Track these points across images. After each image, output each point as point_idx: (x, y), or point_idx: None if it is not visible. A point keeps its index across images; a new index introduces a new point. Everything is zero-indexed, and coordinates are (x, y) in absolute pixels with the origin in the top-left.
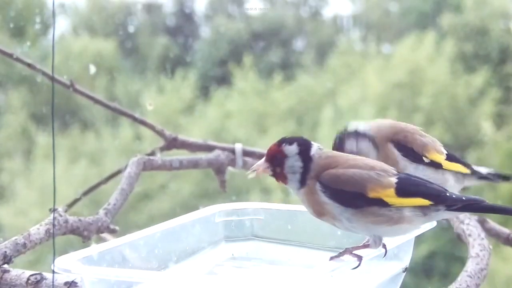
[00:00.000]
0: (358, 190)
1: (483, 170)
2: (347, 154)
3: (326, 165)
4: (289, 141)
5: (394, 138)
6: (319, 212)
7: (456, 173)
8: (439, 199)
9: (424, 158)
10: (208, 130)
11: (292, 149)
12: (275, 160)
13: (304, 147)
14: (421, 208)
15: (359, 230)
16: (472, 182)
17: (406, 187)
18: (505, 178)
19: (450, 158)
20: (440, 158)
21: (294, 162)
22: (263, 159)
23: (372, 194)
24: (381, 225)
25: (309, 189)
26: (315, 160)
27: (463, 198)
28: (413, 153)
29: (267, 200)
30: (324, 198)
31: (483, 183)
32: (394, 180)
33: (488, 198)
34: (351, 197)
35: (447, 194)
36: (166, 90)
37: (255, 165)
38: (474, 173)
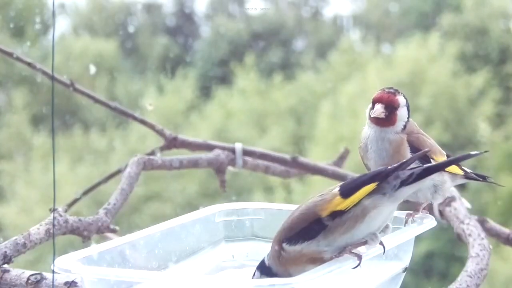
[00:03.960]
0: (312, 219)
1: (468, 170)
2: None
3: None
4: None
5: (408, 138)
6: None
7: (453, 174)
8: (382, 175)
9: (432, 160)
10: (209, 130)
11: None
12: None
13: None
14: (375, 191)
15: (344, 243)
16: (462, 181)
17: (348, 187)
18: (483, 178)
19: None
20: (443, 160)
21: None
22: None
23: (324, 213)
24: (357, 226)
25: None
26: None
27: (409, 168)
28: (423, 155)
29: (271, 199)
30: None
31: (482, 185)
32: (336, 189)
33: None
34: (311, 228)
35: (388, 168)
36: (166, 90)
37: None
38: (465, 174)
